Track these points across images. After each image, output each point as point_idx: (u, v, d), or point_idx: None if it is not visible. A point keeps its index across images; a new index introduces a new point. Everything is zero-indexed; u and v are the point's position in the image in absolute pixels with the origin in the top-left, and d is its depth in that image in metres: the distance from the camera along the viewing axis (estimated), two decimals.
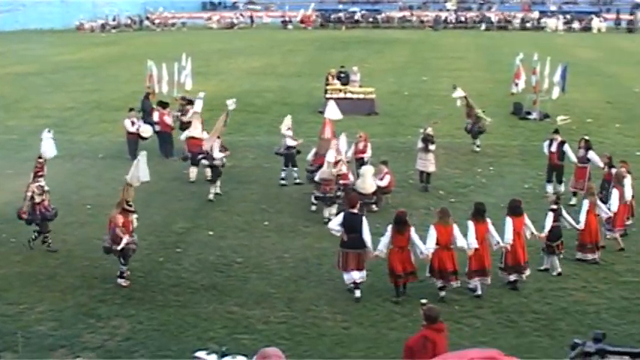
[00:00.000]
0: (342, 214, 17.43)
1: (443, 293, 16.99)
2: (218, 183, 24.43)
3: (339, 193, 22.14)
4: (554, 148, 24.13)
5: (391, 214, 22.00)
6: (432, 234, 16.90)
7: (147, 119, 29.30)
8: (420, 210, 22.85)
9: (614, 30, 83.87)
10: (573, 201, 23.26)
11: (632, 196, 20.87)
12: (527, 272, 17.86)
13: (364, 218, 17.32)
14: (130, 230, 18.08)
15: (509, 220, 17.54)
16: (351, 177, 22.74)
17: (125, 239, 17.67)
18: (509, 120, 35.00)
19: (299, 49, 63.52)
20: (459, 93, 30.57)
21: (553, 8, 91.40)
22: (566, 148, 23.90)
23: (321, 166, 22.51)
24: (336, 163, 22.40)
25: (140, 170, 18.76)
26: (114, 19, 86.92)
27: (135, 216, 18.70)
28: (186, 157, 25.86)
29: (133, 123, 28.37)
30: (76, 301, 17.01)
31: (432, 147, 24.61)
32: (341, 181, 22.48)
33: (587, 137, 24.50)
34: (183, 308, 16.69)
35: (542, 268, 18.64)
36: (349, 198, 18.16)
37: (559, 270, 18.54)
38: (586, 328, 15.68)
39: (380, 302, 16.94)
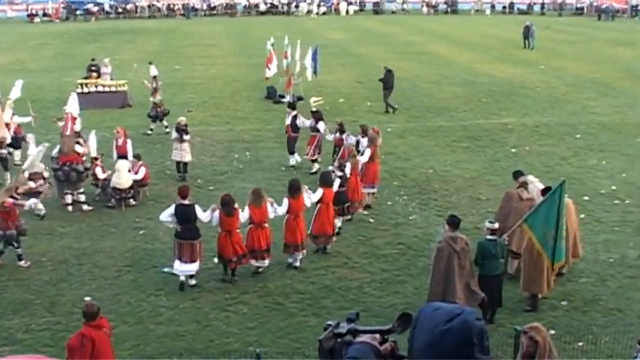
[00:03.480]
0: (173, 206, 17.18)
1: (260, 269, 17.76)
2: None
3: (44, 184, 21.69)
4: (288, 121, 25.79)
5: (149, 207, 21.94)
6: (246, 215, 17.30)
7: None
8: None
9: (361, 12, 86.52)
10: (315, 168, 24.83)
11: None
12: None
13: (197, 207, 17.16)
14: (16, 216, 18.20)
15: (320, 191, 18.42)
16: (101, 174, 22.45)
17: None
18: (264, 104, 35.39)
19: (47, 43, 61.52)
20: (153, 71, 31.36)
21: None
22: (298, 120, 25.67)
23: (64, 164, 21.82)
24: (95, 159, 22.54)
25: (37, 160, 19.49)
26: None
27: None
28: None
29: None
30: None
31: (186, 137, 24.44)
32: (98, 176, 22.40)
33: (314, 109, 26.51)
34: None
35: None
36: (180, 189, 17.70)
37: (338, 225, 19.82)
38: (350, 304, 16.10)
39: (144, 297, 16.67)
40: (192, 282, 17.14)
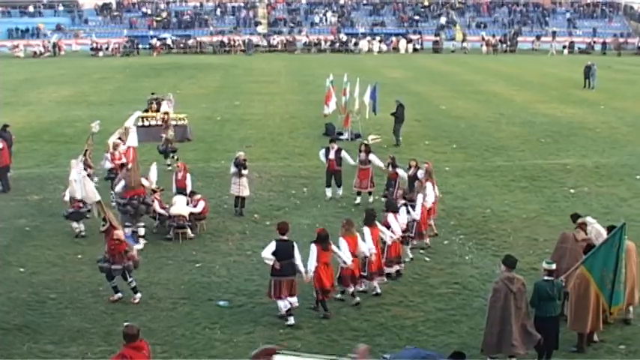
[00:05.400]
0: (273, 243, 17.03)
1: (357, 299, 18.00)
2: None
3: (88, 208, 22.20)
4: (332, 156, 26.09)
5: (206, 240, 22.11)
6: (344, 245, 17.54)
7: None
8: (236, 235, 22.81)
9: (420, 51, 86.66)
10: (358, 200, 25.74)
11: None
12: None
13: (295, 244, 17.20)
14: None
15: (390, 216, 19.27)
16: (158, 208, 22.84)
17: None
18: (322, 141, 35.29)
19: (110, 77, 62.58)
20: (164, 107, 32.88)
21: (362, 30, 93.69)
22: (344, 154, 26.32)
23: (132, 198, 22.10)
24: (154, 192, 22.99)
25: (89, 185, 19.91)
26: None
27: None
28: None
29: None
30: None
31: (244, 171, 24.55)
32: (156, 210, 22.75)
33: (366, 142, 27.14)
34: None
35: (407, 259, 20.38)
36: (279, 225, 17.50)
37: (410, 256, 20.67)
38: (404, 342, 16.01)
39: (199, 330, 16.73)
40: (291, 321, 16.97)
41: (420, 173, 23.47)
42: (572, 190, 27.67)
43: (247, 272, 19.89)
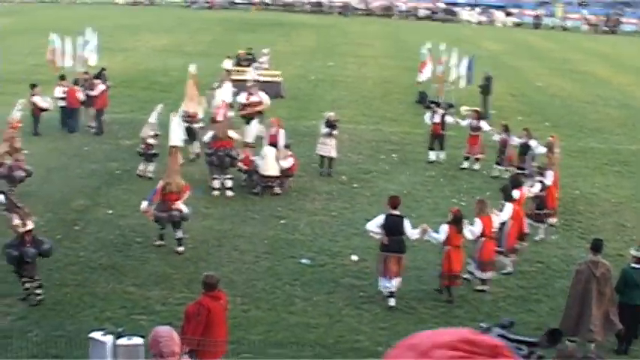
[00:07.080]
0: (382, 216, 16.41)
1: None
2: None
3: (155, 151, 23.51)
4: (437, 119, 26.53)
5: (292, 198, 22.23)
6: (478, 227, 16.91)
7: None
8: (323, 195, 22.92)
9: (520, 25, 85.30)
10: (465, 164, 26.11)
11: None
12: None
13: (405, 220, 16.46)
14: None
15: (517, 192, 18.55)
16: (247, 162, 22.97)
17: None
18: (414, 108, 35.19)
19: (206, 29, 62.90)
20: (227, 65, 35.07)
21: (462, 1, 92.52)
22: (448, 118, 26.98)
23: (218, 149, 22.32)
24: (246, 145, 23.16)
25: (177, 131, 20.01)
26: None
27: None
28: None
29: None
30: None
31: (335, 132, 24.56)
32: (243, 166, 22.83)
33: (478, 109, 27.61)
34: (81, 287, 16.41)
35: (536, 238, 20.16)
36: (391, 199, 16.68)
37: (542, 236, 20.44)
38: (483, 316, 15.91)
39: (280, 285, 16.95)
40: (392, 303, 16.40)
41: (533, 143, 23.72)
42: None
43: (331, 233, 20.00)
